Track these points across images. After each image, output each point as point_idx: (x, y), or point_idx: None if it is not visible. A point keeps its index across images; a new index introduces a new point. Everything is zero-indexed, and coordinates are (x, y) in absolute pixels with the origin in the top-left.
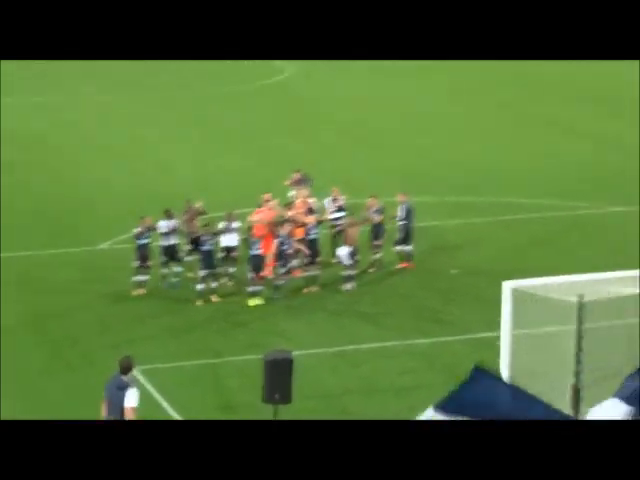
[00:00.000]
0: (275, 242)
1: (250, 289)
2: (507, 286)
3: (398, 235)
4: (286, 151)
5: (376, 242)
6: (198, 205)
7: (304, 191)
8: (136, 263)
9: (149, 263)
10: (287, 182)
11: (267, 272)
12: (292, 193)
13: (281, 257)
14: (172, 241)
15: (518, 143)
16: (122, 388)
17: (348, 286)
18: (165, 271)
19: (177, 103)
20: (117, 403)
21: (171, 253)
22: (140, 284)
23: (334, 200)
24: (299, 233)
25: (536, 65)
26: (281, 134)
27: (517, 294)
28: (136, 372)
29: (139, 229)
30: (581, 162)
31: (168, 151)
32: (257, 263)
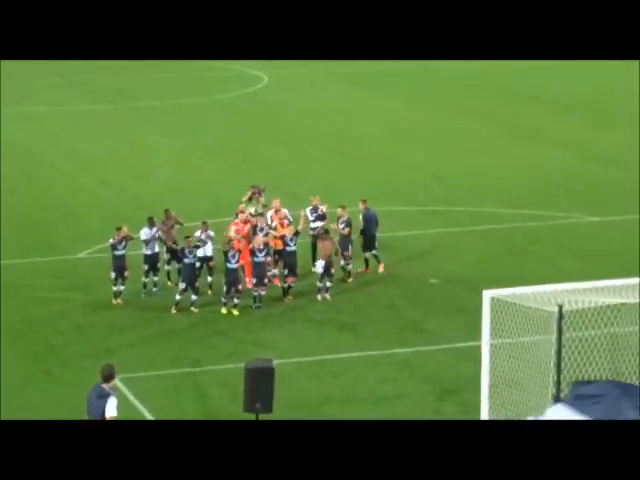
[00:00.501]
0: (250, 252)
1: (223, 300)
2: (487, 295)
3: (361, 242)
4: (264, 160)
5: (345, 253)
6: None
7: (277, 201)
8: (113, 274)
9: (126, 274)
10: (244, 198)
11: (247, 283)
12: (252, 209)
13: (256, 268)
14: (152, 250)
15: (499, 153)
16: (102, 397)
17: (319, 297)
18: (146, 280)
19: (156, 112)
20: (97, 412)
21: (152, 262)
22: (117, 294)
23: (314, 209)
24: (277, 244)
25: (516, 76)
26: (259, 143)
27: (496, 303)
28: (117, 381)
29: (114, 240)
30: (562, 172)
31: (148, 160)
32: (234, 276)
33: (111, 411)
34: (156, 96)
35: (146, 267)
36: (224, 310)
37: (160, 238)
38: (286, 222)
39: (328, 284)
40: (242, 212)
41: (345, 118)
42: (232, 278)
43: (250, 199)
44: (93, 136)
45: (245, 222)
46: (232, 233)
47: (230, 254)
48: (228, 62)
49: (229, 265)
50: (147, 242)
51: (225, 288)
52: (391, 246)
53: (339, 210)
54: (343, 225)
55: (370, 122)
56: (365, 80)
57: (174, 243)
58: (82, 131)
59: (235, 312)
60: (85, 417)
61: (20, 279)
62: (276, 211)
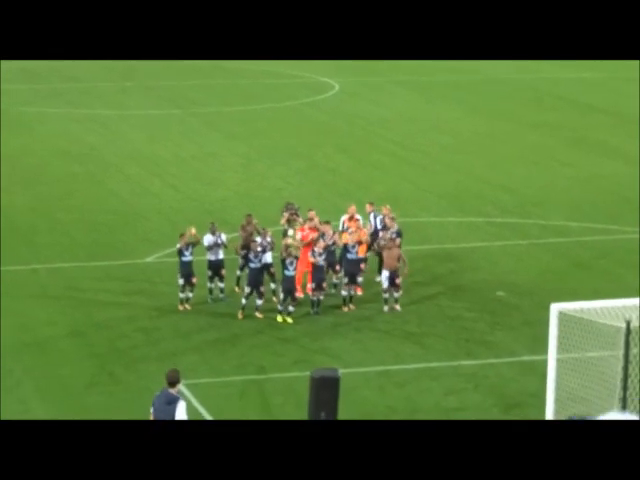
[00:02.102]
0: (310, 257)
1: (280, 308)
2: (554, 308)
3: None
4: (331, 167)
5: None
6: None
7: (353, 208)
8: (180, 281)
9: (193, 280)
10: (282, 221)
11: (299, 292)
12: (290, 232)
13: (315, 272)
14: (216, 256)
15: (566, 165)
16: (171, 402)
17: (386, 308)
18: (211, 286)
19: (224, 118)
20: (167, 417)
21: (215, 268)
22: (185, 300)
23: (384, 219)
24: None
25: (581, 89)
26: (327, 150)
27: (563, 317)
28: (181, 386)
29: (179, 245)
30: (629, 185)
31: (214, 165)
32: (291, 284)
33: (181, 415)
34: (224, 102)
35: (210, 273)
36: (279, 318)
37: (224, 244)
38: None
39: (396, 295)
40: (311, 219)
41: (412, 127)
42: (289, 286)
43: (288, 221)
44: (161, 140)
45: (312, 229)
46: (297, 238)
47: (288, 261)
48: (299, 69)
49: (287, 272)
50: (209, 248)
51: (282, 296)
52: (458, 257)
53: (389, 221)
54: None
55: (436, 132)
56: (431, 89)
57: (242, 249)
58: (150, 135)
59: (289, 320)
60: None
61: (87, 282)
62: (350, 217)
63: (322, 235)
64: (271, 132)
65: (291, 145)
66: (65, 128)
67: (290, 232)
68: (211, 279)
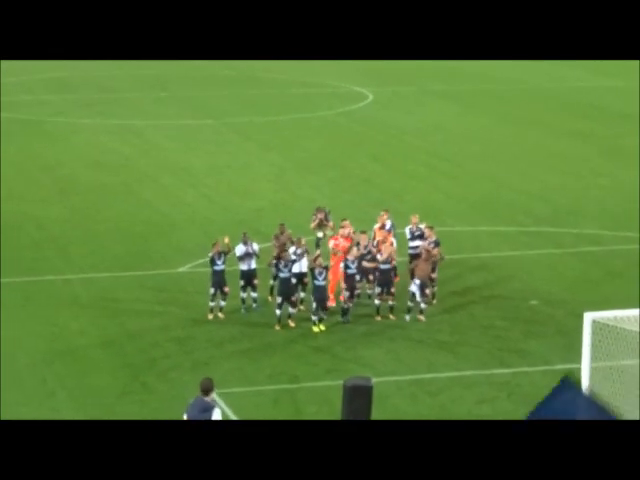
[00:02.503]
0: (341, 266)
1: (313, 318)
2: (588, 317)
3: None
4: (364, 177)
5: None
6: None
7: (384, 217)
8: (211, 290)
9: (226, 289)
10: (312, 225)
11: (331, 301)
12: (320, 234)
13: (348, 281)
14: (249, 266)
15: (598, 173)
16: (207, 410)
17: (407, 317)
18: (243, 295)
19: (257, 128)
20: None
21: (248, 278)
22: (216, 309)
23: (414, 228)
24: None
25: (616, 97)
26: (360, 160)
27: (597, 325)
28: (214, 395)
29: (211, 254)
30: None
31: (248, 176)
32: (322, 293)
33: None
34: (257, 112)
35: (242, 283)
36: (316, 328)
37: (256, 254)
38: (390, 240)
39: (423, 306)
40: (343, 227)
41: (444, 136)
42: (320, 295)
43: (319, 225)
44: (194, 151)
45: (345, 237)
46: (330, 247)
47: (317, 271)
48: (332, 79)
49: (317, 282)
50: (241, 258)
51: (314, 305)
52: (491, 266)
53: (427, 230)
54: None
55: (468, 141)
56: (463, 99)
57: (276, 258)
58: (184, 145)
59: (322, 327)
60: None
61: (120, 291)
62: (381, 227)
63: (357, 244)
64: (304, 142)
65: (324, 155)
66: (98, 139)
67: (319, 234)
68: (244, 289)
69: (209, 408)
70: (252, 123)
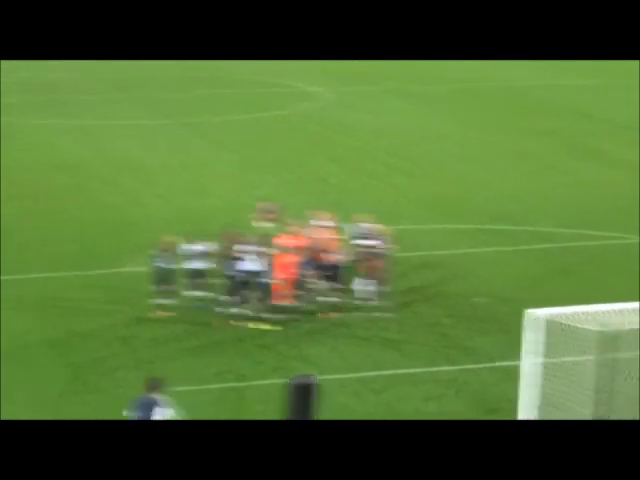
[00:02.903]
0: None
1: (259, 315)
2: (530, 315)
3: None
4: (321, 177)
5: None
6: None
7: (326, 214)
8: (153, 287)
9: (168, 286)
10: (256, 222)
11: (287, 300)
12: (266, 225)
13: (299, 282)
14: (198, 265)
15: (562, 172)
16: (150, 407)
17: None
18: (192, 294)
19: (213, 128)
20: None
21: (196, 276)
22: (159, 307)
23: (366, 227)
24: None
25: (580, 97)
26: (317, 160)
27: (540, 323)
28: (160, 394)
29: (154, 251)
30: (616, 192)
31: (203, 175)
32: (265, 290)
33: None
34: (214, 112)
35: (191, 281)
36: (260, 326)
37: (204, 253)
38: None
39: (375, 302)
40: (291, 225)
41: (404, 137)
42: (264, 293)
43: (261, 220)
44: (149, 150)
45: (294, 236)
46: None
47: (263, 268)
48: (289, 78)
49: (262, 279)
50: (191, 257)
51: (258, 303)
52: (446, 264)
53: (376, 229)
54: (380, 244)
55: (428, 141)
56: (425, 99)
57: (222, 257)
58: (138, 145)
59: (267, 327)
60: None
61: (70, 291)
62: (327, 225)
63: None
64: (261, 142)
65: (281, 155)
66: (53, 140)
67: (266, 225)
68: (192, 287)
69: (152, 405)
70: (208, 123)
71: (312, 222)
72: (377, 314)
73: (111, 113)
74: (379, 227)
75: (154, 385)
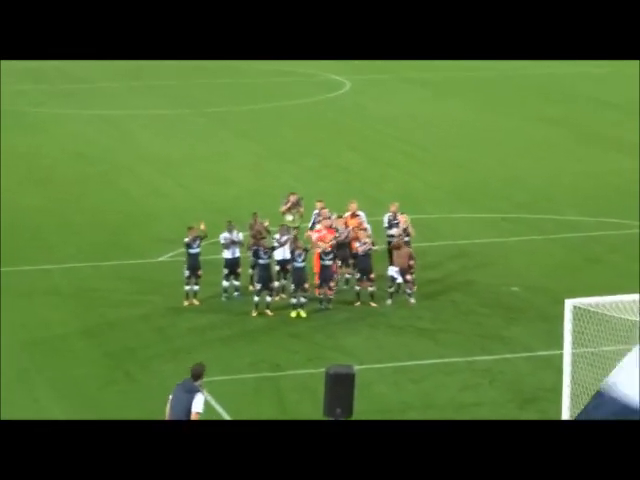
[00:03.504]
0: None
1: (293, 301)
2: (569, 304)
3: None
4: (342, 165)
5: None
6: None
7: (354, 205)
8: (186, 272)
9: (199, 273)
10: (283, 208)
11: (321, 290)
12: (289, 217)
13: (332, 272)
14: (233, 254)
15: (576, 160)
16: (190, 392)
17: (389, 302)
18: (226, 284)
19: (234, 117)
20: (183, 405)
21: (231, 266)
22: (191, 294)
23: (392, 216)
24: (353, 248)
25: (592, 84)
26: (338, 148)
27: (578, 311)
28: (202, 382)
29: (187, 239)
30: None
31: (225, 164)
32: (301, 276)
33: (197, 407)
34: (234, 101)
35: (226, 271)
36: (294, 313)
37: (241, 242)
38: (363, 227)
39: (409, 290)
40: (325, 217)
41: (421, 124)
42: (298, 277)
43: (289, 209)
44: (171, 140)
45: (327, 228)
46: (313, 239)
47: (296, 253)
48: (309, 67)
49: (296, 264)
50: (226, 246)
51: (292, 287)
52: (471, 253)
53: (401, 218)
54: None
55: (445, 128)
56: (439, 86)
57: (252, 246)
58: (160, 135)
59: (303, 314)
60: (167, 411)
61: (98, 282)
62: (352, 215)
63: (336, 230)
64: (282, 131)
65: (302, 143)
66: (76, 129)
67: (289, 217)
68: (227, 277)
69: (193, 390)
70: (229, 112)
71: (343, 213)
72: (412, 301)
73: (132, 103)
74: (405, 216)
75: (198, 373)
